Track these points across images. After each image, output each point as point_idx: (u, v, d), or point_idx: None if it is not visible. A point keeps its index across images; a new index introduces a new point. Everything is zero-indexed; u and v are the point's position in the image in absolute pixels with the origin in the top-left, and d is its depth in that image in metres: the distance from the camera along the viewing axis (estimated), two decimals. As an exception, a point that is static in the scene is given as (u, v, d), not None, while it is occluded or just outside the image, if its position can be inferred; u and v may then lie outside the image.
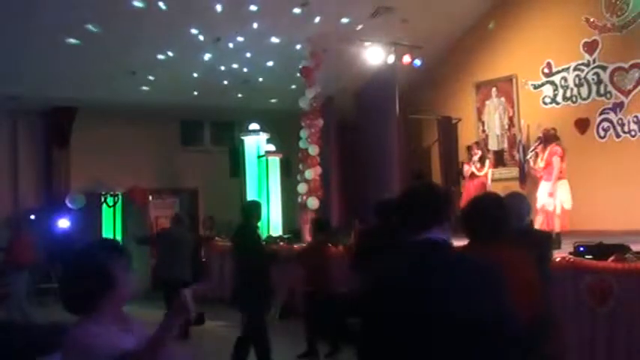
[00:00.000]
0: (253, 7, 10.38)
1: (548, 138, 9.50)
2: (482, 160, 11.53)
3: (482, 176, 11.39)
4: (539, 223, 8.92)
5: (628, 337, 5.59)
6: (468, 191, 10.99)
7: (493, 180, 11.59)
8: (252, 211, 6.81)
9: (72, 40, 10.02)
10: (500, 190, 9.10)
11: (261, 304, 6.57)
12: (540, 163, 9.59)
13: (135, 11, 9.57)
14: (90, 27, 9.75)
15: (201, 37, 10.83)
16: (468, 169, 11.58)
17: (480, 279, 2.16)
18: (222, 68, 11.82)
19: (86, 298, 2.22)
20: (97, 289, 2.23)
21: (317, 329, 7.39)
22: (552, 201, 9.16)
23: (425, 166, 13.86)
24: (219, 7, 10.07)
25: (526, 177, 11.47)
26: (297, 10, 10.59)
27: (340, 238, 9.59)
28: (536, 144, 10.01)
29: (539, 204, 9.25)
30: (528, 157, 10.67)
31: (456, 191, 11.96)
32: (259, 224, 7.21)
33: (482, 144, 12.65)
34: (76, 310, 2.26)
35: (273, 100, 12.93)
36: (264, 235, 11.52)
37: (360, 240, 6.45)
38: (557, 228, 8.98)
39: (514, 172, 12.29)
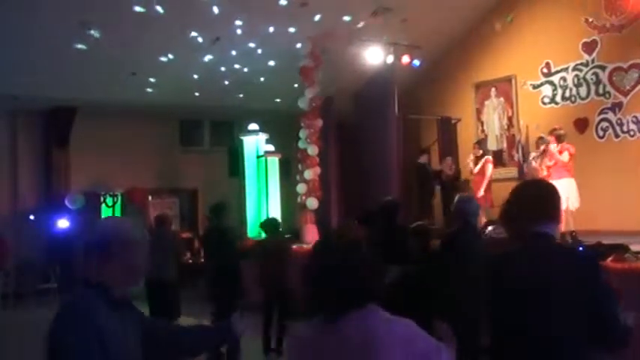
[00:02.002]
0: (251, 7, 10.38)
1: (560, 137, 9.39)
2: (477, 159, 11.47)
3: (478, 174, 11.35)
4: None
5: (627, 337, 5.59)
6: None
7: (493, 180, 11.56)
8: (225, 212, 7.21)
9: (79, 46, 10.02)
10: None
11: (230, 302, 6.68)
12: (549, 162, 9.38)
13: (135, 13, 9.57)
14: (92, 32, 9.75)
15: (200, 39, 10.82)
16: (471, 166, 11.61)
17: (582, 267, 2.47)
18: (222, 69, 11.81)
19: (368, 291, 2.20)
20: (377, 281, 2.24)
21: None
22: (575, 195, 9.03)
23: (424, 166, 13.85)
24: (216, 9, 10.06)
25: (525, 177, 11.45)
26: (296, 10, 10.59)
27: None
28: (544, 146, 9.72)
29: None
30: (531, 157, 10.45)
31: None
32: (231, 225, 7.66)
33: (484, 144, 12.58)
34: (354, 304, 2.15)
35: (272, 101, 12.93)
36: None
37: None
38: (571, 226, 8.82)
39: (513, 172, 12.30)
